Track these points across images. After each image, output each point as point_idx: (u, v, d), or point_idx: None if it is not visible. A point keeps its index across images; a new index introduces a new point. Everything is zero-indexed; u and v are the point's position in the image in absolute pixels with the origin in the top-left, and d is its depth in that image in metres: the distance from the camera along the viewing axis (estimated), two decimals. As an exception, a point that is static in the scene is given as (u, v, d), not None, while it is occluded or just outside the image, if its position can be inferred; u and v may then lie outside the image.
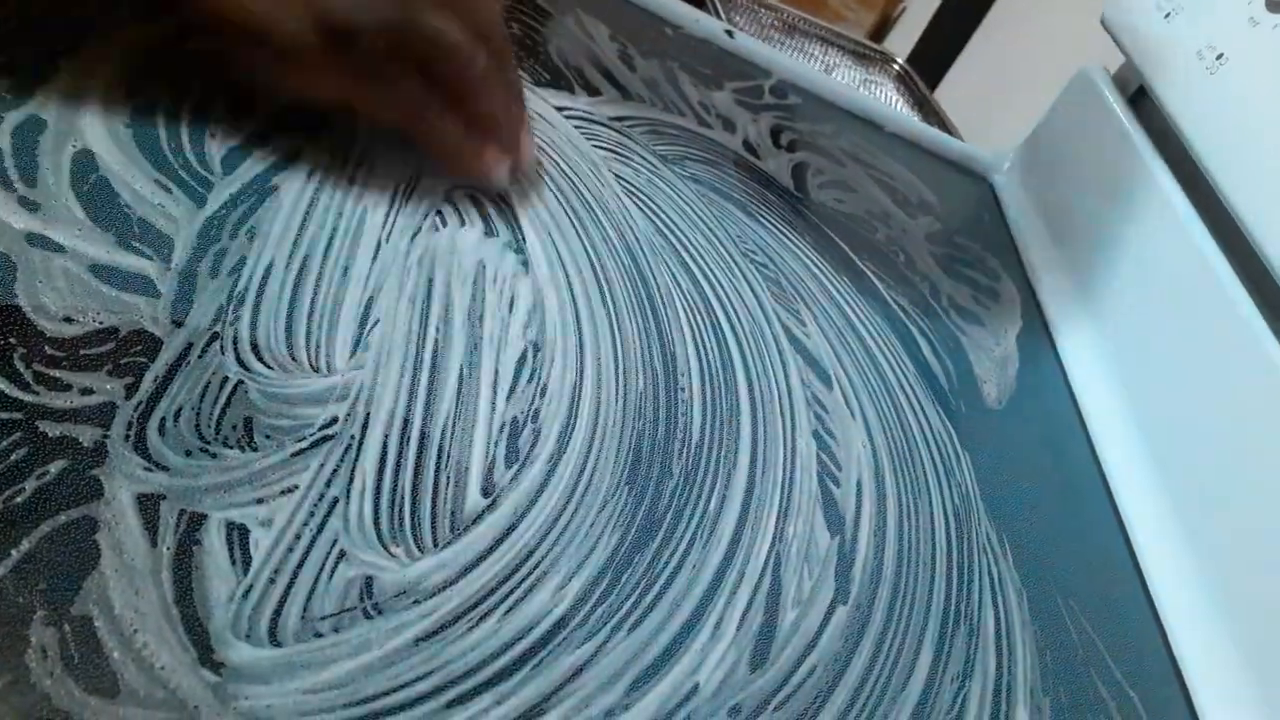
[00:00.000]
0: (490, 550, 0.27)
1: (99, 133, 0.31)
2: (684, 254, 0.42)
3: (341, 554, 0.25)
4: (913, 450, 0.39)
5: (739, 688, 0.28)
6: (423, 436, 0.29)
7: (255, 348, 0.28)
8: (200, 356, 0.27)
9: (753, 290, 0.42)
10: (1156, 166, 0.54)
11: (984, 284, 0.54)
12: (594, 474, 0.31)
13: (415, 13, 0.32)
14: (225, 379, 0.27)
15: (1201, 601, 0.39)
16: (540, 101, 0.46)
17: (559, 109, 0.47)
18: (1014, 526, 0.38)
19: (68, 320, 0.26)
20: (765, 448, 0.35)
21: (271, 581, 0.24)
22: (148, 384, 0.26)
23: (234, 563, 0.24)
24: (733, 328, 0.39)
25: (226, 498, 0.25)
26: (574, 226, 0.40)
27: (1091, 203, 0.59)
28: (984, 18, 1.34)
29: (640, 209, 0.43)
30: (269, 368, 0.28)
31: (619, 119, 0.48)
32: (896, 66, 1.12)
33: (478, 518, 0.28)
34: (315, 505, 0.26)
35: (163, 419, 0.25)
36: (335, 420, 0.28)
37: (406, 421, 0.29)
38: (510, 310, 0.34)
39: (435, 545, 0.26)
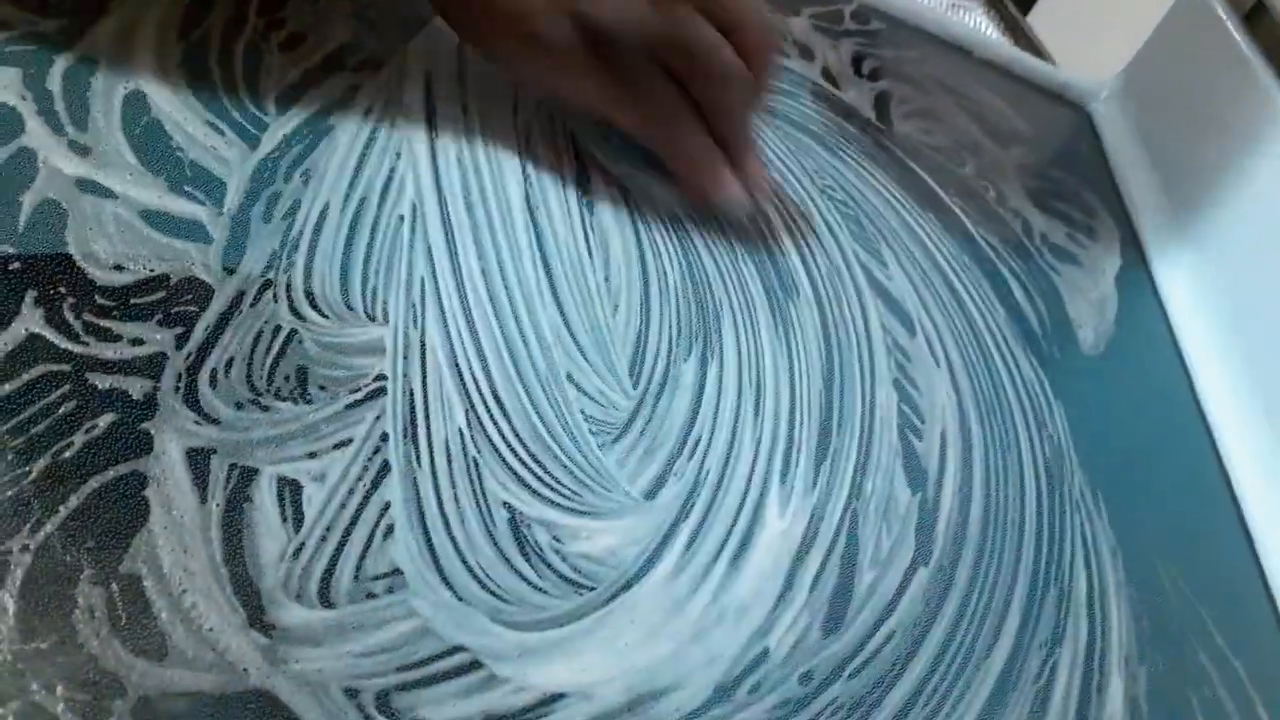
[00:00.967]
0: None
1: (150, 73, 0.31)
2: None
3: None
4: (1001, 400, 0.37)
5: (811, 653, 0.26)
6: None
7: (310, 295, 0.28)
8: (253, 305, 0.27)
9: (830, 229, 0.40)
10: (1276, 92, 0.49)
11: (1080, 221, 0.51)
12: (660, 426, 0.29)
13: (677, 26, 0.32)
14: (278, 328, 0.26)
15: (1315, 564, 0.36)
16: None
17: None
18: (1110, 482, 0.36)
19: (118, 268, 0.26)
20: (842, 398, 0.33)
21: (323, 540, 0.23)
22: (199, 334, 0.25)
23: (285, 520, 0.23)
24: (808, 270, 0.37)
25: (278, 452, 0.24)
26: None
27: (1199, 133, 0.55)
28: (1083, -67, 1.26)
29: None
30: (323, 316, 0.27)
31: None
32: (987, -12, 1.06)
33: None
34: (369, 460, 0.25)
35: (214, 370, 0.25)
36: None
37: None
38: (589, 255, 0.33)
39: (493, 502, 0.25)
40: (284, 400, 0.25)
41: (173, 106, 0.30)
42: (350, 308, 0.28)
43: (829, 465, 0.31)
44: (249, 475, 0.23)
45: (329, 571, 0.22)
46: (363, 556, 0.23)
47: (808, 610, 0.27)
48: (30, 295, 0.24)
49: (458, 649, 0.22)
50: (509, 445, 0.27)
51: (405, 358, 0.27)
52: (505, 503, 0.25)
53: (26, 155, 0.27)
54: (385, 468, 0.25)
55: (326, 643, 0.21)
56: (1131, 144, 0.59)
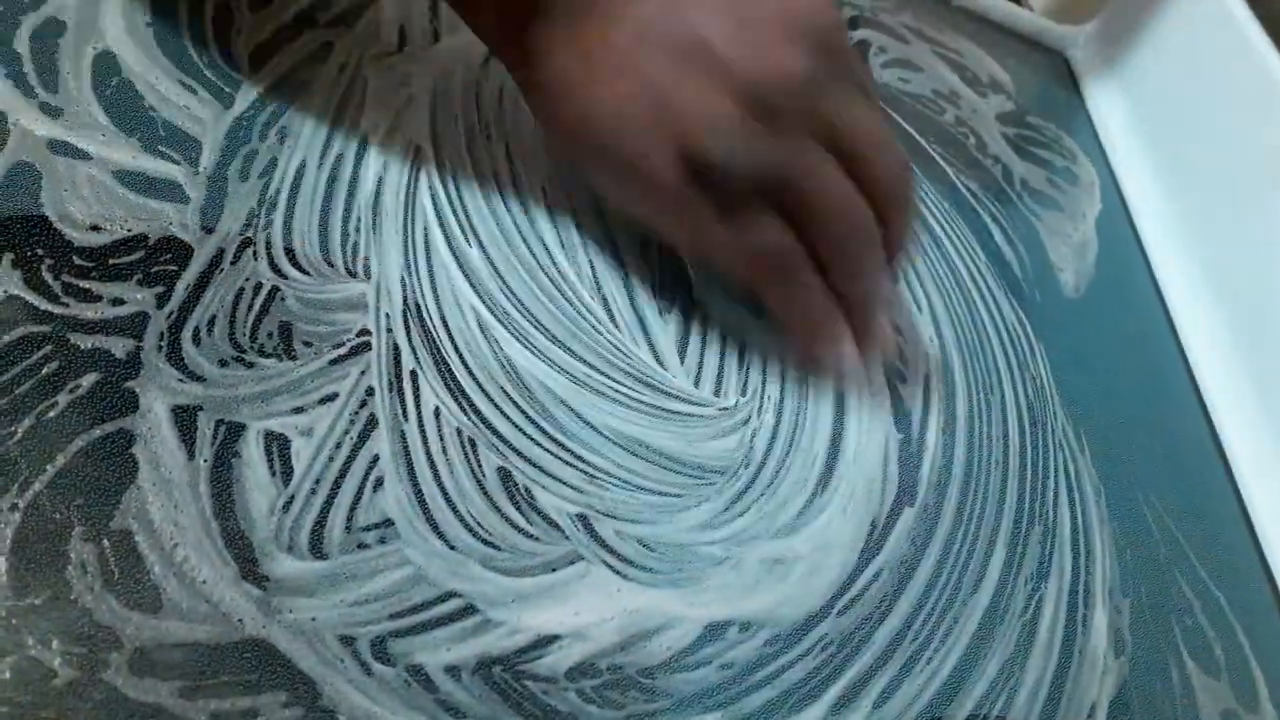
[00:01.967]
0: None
1: (120, 32, 0.30)
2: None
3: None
4: (984, 343, 0.37)
5: (801, 593, 0.27)
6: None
7: (290, 252, 0.27)
8: (233, 263, 0.26)
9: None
10: (1253, 33, 0.49)
11: (1060, 166, 0.51)
12: (645, 375, 0.29)
13: (795, 168, 0.27)
14: (259, 285, 0.26)
15: (1294, 496, 0.37)
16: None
17: None
18: (1092, 421, 0.36)
19: (95, 229, 0.25)
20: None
21: (313, 492, 0.23)
22: (180, 293, 0.25)
23: (274, 474, 0.23)
24: (790, 219, 0.37)
25: (264, 407, 0.24)
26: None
27: (1177, 78, 0.55)
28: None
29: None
30: (304, 273, 0.27)
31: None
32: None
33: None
34: (355, 413, 0.25)
35: (196, 328, 0.25)
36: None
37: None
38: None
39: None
40: (268, 357, 0.25)
41: (143, 66, 0.30)
42: (331, 264, 0.28)
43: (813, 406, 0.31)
44: (236, 431, 0.23)
45: (320, 523, 0.23)
46: (353, 508, 0.23)
47: (796, 551, 0.27)
48: (8, 258, 0.24)
49: (451, 594, 0.23)
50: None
51: (388, 313, 0.27)
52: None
53: (-3, 118, 0.27)
54: (372, 421, 0.25)
55: (320, 593, 0.22)
56: (1110, 89, 0.59)
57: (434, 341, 0.27)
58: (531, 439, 0.26)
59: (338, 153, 0.30)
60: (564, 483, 0.26)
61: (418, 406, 0.26)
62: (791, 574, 0.27)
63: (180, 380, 0.24)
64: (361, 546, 0.23)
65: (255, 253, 0.27)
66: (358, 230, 0.29)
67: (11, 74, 0.28)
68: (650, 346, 0.30)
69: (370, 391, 0.25)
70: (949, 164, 0.46)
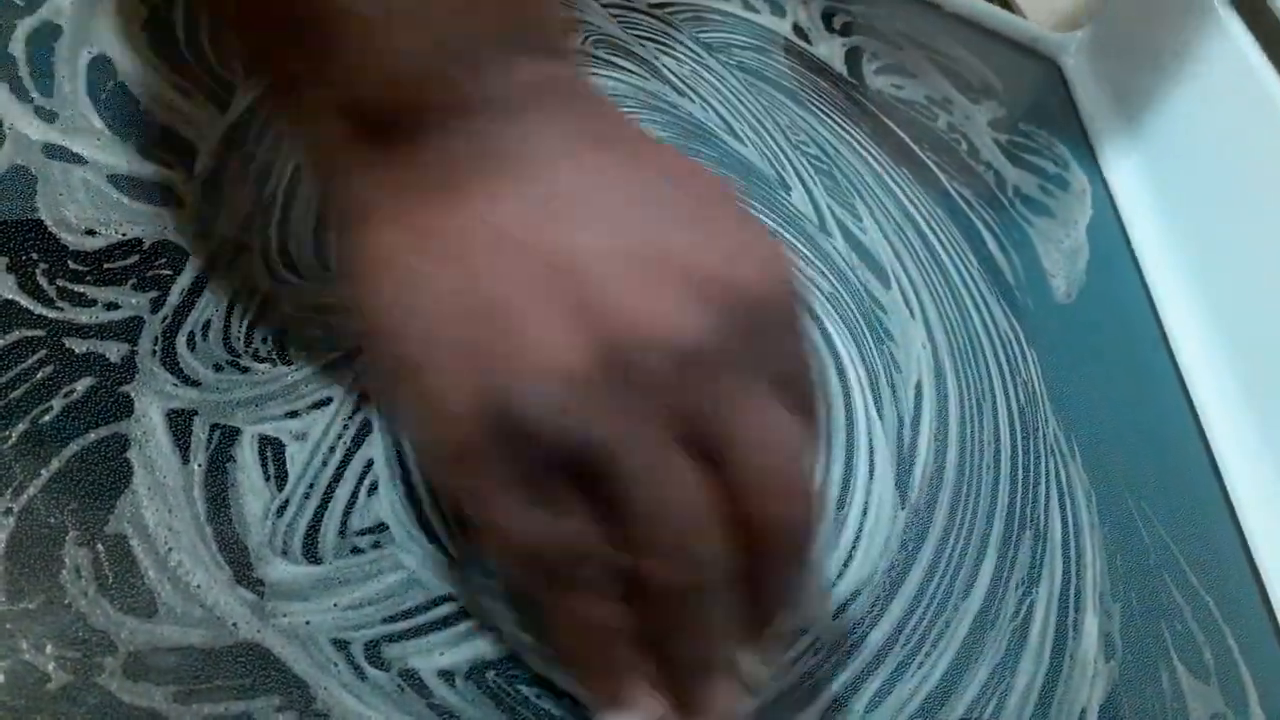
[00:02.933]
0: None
1: (115, 37, 0.30)
2: (731, 146, 0.40)
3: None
4: (976, 349, 0.37)
5: (793, 597, 0.27)
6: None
7: (285, 257, 0.27)
8: (228, 267, 0.26)
9: (804, 184, 0.40)
10: (1245, 43, 0.50)
11: (1052, 172, 0.51)
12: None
13: (624, 453, 0.19)
14: (254, 290, 0.26)
15: (1283, 502, 0.37)
16: (577, -10, 0.44)
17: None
18: (1083, 427, 0.36)
19: (90, 233, 0.25)
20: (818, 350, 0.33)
21: (307, 497, 0.23)
22: (174, 297, 0.25)
23: (268, 478, 0.23)
24: (783, 226, 0.37)
25: (258, 412, 0.24)
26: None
27: (1169, 85, 0.55)
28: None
29: (687, 101, 0.41)
30: (300, 277, 0.27)
31: (660, 6, 0.46)
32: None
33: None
34: (350, 418, 0.25)
35: (191, 333, 0.25)
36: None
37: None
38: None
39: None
40: (263, 361, 0.25)
41: (139, 71, 0.30)
42: (326, 269, 0.28)
43: (807, 415, 0.31)
44: (230, 435, 0.23)
45: (314, 528, 0.23)
46: (347, 512, 0.23)
47: (789, 556, 0.27)
48: (2, 262, 0.24)
49: (445, 599, 0.23)
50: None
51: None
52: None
53: (-8, 122, 0.27)
54: (366, 426, 0.25)
55: (314, 597, 0.22)
56: (1102, 96, 0.59)
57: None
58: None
59: (333, 157, 0.30)
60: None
61: (412, 411, 0.26)
62: (784, 579, 0.27)
63: (175, 385, 0.24)
64: (355, 551, 0.23)
65: (250, 257, 0.27)
66: (352, 235, 0.29)
67: (7, 78, 0.28)
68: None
69: (365, 396, 0.25)
70: (942, 170, 0.46)
